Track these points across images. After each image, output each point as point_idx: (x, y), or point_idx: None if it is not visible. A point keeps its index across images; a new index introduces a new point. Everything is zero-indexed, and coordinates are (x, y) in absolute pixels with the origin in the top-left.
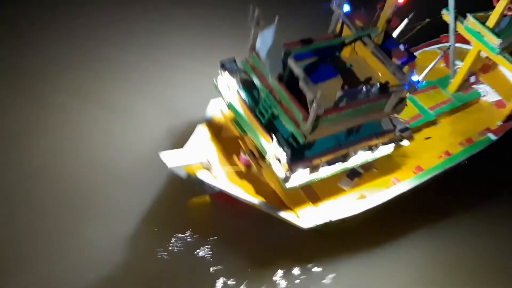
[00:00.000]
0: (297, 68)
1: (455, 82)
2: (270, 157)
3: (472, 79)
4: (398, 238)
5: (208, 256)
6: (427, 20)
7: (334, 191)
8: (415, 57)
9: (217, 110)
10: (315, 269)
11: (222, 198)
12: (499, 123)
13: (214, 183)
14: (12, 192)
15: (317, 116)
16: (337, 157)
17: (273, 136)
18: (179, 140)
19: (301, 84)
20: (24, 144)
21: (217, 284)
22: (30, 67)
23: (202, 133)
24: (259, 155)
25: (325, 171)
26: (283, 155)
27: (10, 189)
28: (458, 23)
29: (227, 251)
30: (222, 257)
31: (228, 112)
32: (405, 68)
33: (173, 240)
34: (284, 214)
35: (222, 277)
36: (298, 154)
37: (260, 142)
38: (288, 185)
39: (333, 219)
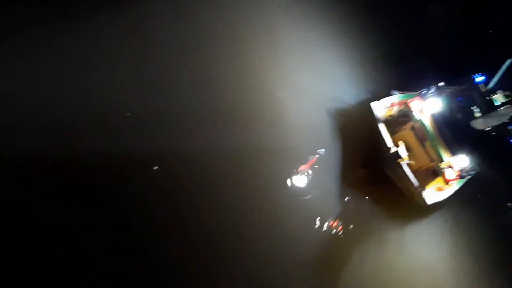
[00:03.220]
0: None
1: None
2: (444, 163)
3: None
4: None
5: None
6: None
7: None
8: None
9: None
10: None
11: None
12: None
13: (404, 165)
14: None
15: None
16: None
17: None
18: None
19: None
20: None
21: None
22: None
23: (383, 129)
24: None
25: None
26: (457, 167)
27: None
28: None
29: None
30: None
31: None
32: None
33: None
34: (424, 192)
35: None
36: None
37: (439, 151)
38: (450, 182)
39: (437, 200)
